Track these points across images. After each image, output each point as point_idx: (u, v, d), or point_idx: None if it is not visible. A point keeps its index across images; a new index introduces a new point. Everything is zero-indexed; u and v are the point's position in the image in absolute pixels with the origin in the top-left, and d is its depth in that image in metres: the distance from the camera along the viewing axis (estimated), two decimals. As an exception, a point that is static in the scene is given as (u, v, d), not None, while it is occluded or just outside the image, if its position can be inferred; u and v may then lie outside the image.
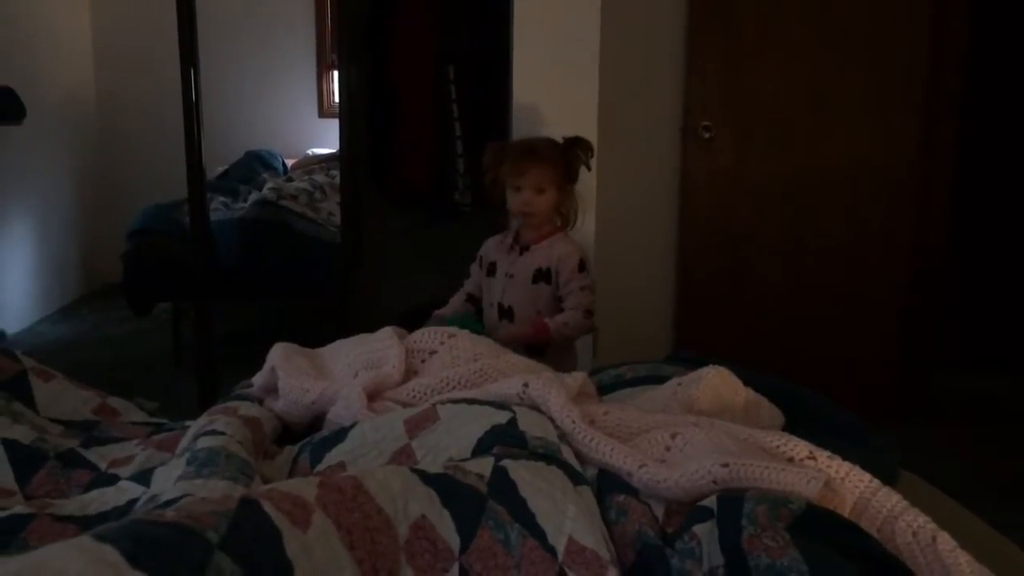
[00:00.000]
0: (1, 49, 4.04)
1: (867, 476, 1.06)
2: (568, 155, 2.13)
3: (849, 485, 1.04)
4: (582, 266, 2.10)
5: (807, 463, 1.05)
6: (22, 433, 1.35)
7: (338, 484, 0.80)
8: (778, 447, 1.08)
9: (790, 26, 3.08)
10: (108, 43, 5.20)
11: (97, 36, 5.21)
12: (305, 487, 0.78)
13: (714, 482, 0.97)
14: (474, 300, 2.27)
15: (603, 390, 1.50)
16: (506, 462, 0.93)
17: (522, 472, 0.91)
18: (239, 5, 5.15)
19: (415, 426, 1.11)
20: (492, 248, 2.23)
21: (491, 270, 2.20)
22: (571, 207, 2.17)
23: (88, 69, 5.19)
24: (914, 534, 0.98)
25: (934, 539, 0.97)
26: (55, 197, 4.71)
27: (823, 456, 1.07)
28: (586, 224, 2.71)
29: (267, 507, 0.73)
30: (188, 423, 1.51)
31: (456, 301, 2.28)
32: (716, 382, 1.36)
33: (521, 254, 2.15)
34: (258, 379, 1.48)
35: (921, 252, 3.18)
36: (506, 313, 2.15)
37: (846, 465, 1.06)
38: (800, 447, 1.08)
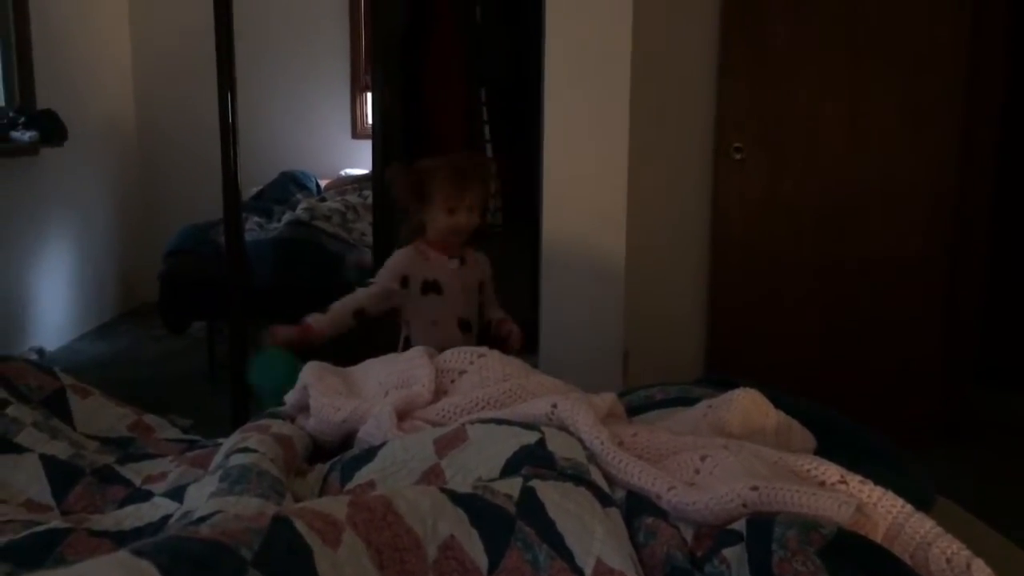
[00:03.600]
0: (45, 73, 4.14)
1: (900, 501, 1.04)
2: (487, 172, 2.21)
3: (881, 510, 1.03)
4: None
5: (838, 487, 1.04)
6: (60, 449, 1.37)
7: (368, 503, 0.80)
8: (809, 471, 1.07)
9: (822, 43, 3.07)
10: (147, 66, 5.32)
11: (137, 59, 5.33)
12: (336, 506, 0.79)
13: (744, 505, 0.96)
14: (362, 315, 2.19)
15: (633, 411, 1.49)
16: (535, 482, 0.93)
17: (551, 493, 0.91)
18: (276, 29, 5.25)
19: (444, 446, 1.12)
20: (420, 265, 2.19)
21: (432, 287, 2.17)
22: None
23: (128, 92, 5.31)
24: (948, 561, 0.97)
25: (968, 567, 0.95)
26: (95, 217, 4.81)
27: (855, 480, 1.05)
28: (617, 245, 2.73)
29: (299, 525, 0.74)
30: (221, 440, 1.52)
31: (341, 312, 2.18)
32: (747, 404, 1.34)
33: (460, 267, 2.20)
34: (290, 397, 1.49)
35: (960, 271, 3.13)
36: (466, 327, 2.18)
37: (879, 490, 1.05)
38: (831, 471, 1.07)
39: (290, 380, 1.49)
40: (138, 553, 0.70)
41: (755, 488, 0.96)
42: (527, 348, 2.80)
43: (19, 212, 3.97)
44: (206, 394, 3.61)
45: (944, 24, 3.03)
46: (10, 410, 1.40)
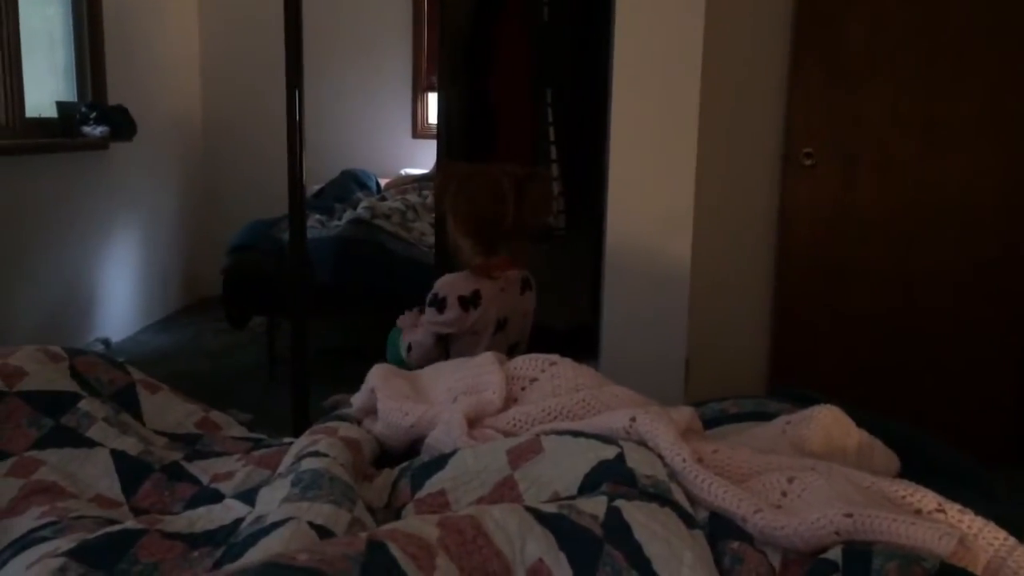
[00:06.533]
0: (117, 69, 4.23)
1: (1002, 533, 0.98)
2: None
3: (983, 542, 0.97)
4: None
5: (936, 516, 0.99)
6: (130, 444, 1.38)
7: (457, 525, 0.78)
8: (904, 497, 1.01)
9: (899, 47, 2.97)
10: (215, 65, 5.41)
11: (205, 58, 5.42)
12: (425, 528, 0.77)
13: (836, 533, 0.92)
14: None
15: (704, 424, 1.45)
16: (620, 502, 0.90)
17: (637, 514, 0.88)
18: (341, 30, 5.30)
19: (518, 456, 1.09)
20: (496, 299, 2.07)
21: (501, 325, 2.09)
22: None
23: (196, 90, 5.40)
24: (1057, 600, 0.91)
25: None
26: (161, 212, 4.89)
27: (953, 509, 1.00)
28: (682, 251, 2.67)
29: (394, 550, 0.71)
30: (287, 440, 1.52)
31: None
32: (828, 422, 1.29)
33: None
34: (357, 400, 1.48)
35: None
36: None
37: (979, 520, 0.99)
38: (928, 498, 1.01)
39: None
40: None
41: (849, 515, 0.91)
42: (588, 355, 2.77)
43: (89, 205, 4.06)
44: (265, 389, 3.64)
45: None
46: (82, 404, 1.41)
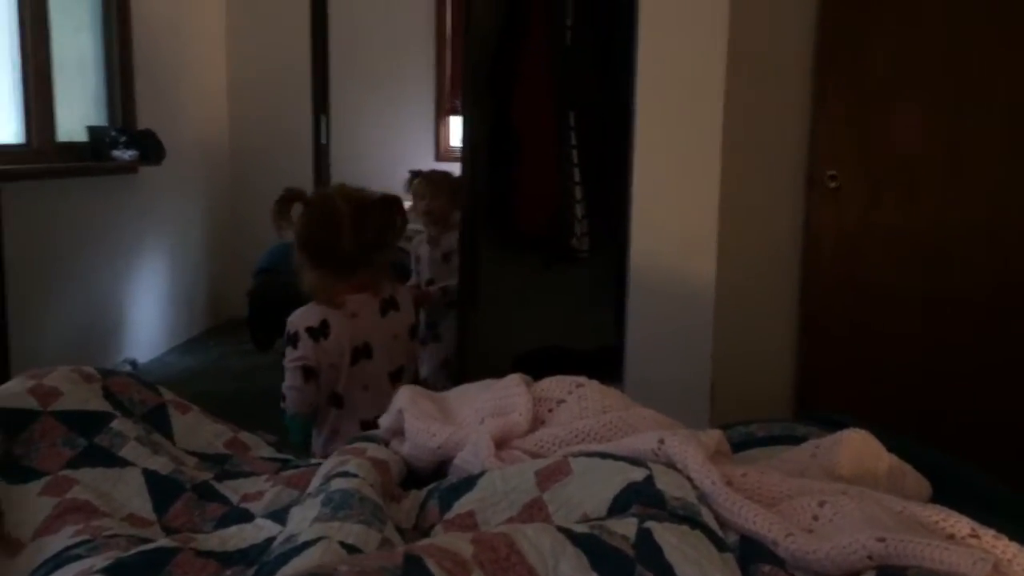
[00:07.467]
0: (147, 94, 4.31)
1: (1038, 559, 0.97)
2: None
3: (1017, 568, 0.96)
4: None
5: (970, 541, 0.98)
6: (161, 464, 1.39)
7: (492, 542, 0.78)
8: (937, 522, 1.00)
9: (923, 69, 2.97)
10: (242, 90, 5.48)
11: (232, 83, 5.50)
12: (460, 544, 0.77)
13: (869, 557, 0.91)
14: None
15: (732, 448, 1.44)
16: (650, 524, 0.90)
17: (668, 536, 0.88)
18: (365, 54, 5.36)
19: (546, 478, 1.09)
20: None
21: (364, 352, 2.15)
22: None
23: (223, 115, 5.48)
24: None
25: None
26: (187, 234, 4.95)
27: (988, 534, 0.99)
28: (706, 272, 2.67)
29: (430, 564, 0.72)
30: (314, 461, 1.53)
31: None
32: (858, 446, 1.28)
33: None
34: (384, 421, 1.49)
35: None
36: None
37: (1014, 545, 0.98)
38: (962, 523, 1.00)
39: None
40: None
41: (882, 539, 0.91)
42: (612, 377, 2.77)
43: (118, 227, 4.12)
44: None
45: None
46: (115, 424, 1.43)
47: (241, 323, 4.08)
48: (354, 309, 2.08)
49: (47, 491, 1.29)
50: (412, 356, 2.22)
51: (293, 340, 2.05)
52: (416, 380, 2.26)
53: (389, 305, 2.15)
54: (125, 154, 3.95)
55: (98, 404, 1.46)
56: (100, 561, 1.01)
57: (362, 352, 2.08)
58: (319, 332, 2.03)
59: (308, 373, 2.04)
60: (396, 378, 2.13)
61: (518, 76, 3.14)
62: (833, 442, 1.29)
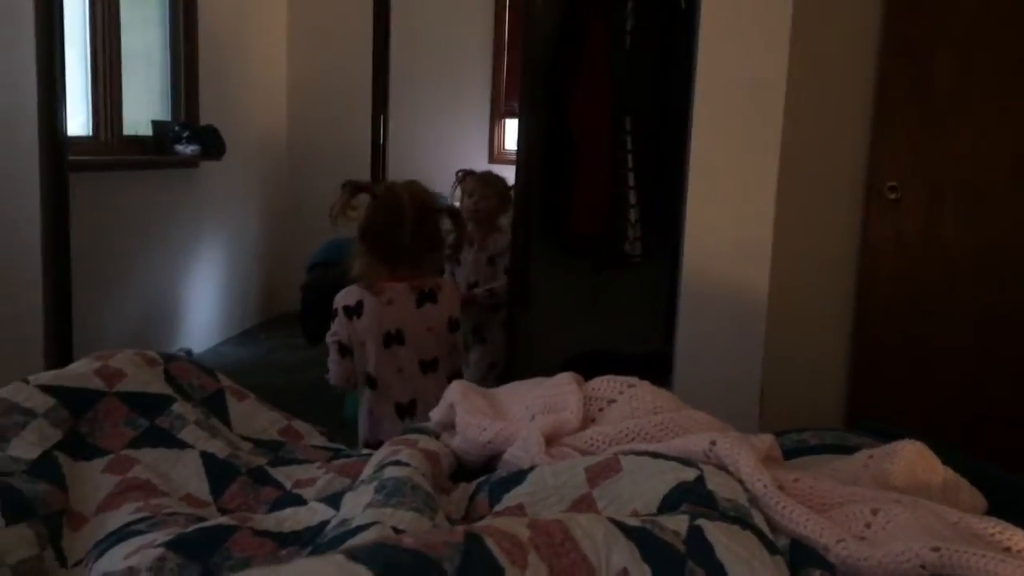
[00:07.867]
0: (210, 91, 4.41)
1: (1097, 576, 0.95)
2: None
3: (1075, 584, 0.94)
4: None
5: (1027, 555, 0.96)
6: (218, 447, 1.43)
7: (547, 528, 0.80)
8: (993, 535, 0.99)
9: (987, 81, 2.90)
10: (302, 88, 5.57)
11: (292, 81, 5.60)
12: (517, 527, 0.79)
13: (922, 566, 0.90)
14: None
15: (784, 455, 1.43)
16: (701, 521, 0.90)
17: (719, 534, 0.88)
18: (424, 55, 5.41)
19: (597, 475, 1.10)
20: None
21: (395, 338, 2.24)
22: None
23: (282, 112, 5.58)
24: None
25: None
26: (245, 229, 5.05)
27: (1046, 549, 0.97)
28: (759, 280, 2.65)
29: (490, 543, 0.74)
30: (366, 451, 1.56)
31: None
32: (912, 457, 1.26)
33: None
34: (435, 414, 1.51)
35: None
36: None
37: (1072, 562, 0.96)
38: (1018, 536, 0.98)
39: None
40: (354, 558, 0.73)
41: (936, 549, 0.90)
42: (661, 382, 2.75)
43: (178, 220, 4.22)
44: (338, 406, 3.70)
45: None
46: (175, 406, 1.47)
47: (293, 317, 4.14)
48: (391, 296, 2.16)
49: (110, 469, 1.34)
50: (451, 349, 2.27)
51: (333, 316, 2.18)
52: (458, 375, 2.29)
53: (427, 298, 2.21)
54: (187, 149, 4.04)
55: (160, 387, 1.50)
56: (161, 536, 1.05)
57: (394, 338, 2.16)
58: (353, 311, 2.14)
59: (343, 349, 2.17)
60: (430, 368, 2.21)
61: (576, 80, 3.14)
62: (887, 452, 1.27)
